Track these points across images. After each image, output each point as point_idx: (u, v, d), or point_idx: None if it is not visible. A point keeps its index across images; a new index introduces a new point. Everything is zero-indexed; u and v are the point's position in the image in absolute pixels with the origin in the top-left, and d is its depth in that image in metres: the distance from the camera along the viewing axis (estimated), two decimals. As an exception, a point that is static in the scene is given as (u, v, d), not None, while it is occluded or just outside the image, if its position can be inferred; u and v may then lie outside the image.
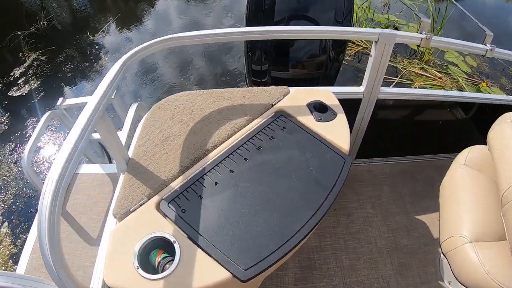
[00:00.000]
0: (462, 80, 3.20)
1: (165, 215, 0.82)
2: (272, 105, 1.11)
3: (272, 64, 1.79)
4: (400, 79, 3.20)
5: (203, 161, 0.96)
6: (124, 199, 0.85)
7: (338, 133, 1.02)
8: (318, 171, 0.92)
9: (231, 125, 1.05)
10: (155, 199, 0.85)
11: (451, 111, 1.59)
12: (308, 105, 1.11)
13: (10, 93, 3.18)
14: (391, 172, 1.69)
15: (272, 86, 1.19)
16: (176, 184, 0.89)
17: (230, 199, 0.86)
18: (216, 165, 0.94)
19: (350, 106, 1.42)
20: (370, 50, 1.31)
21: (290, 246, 0.78)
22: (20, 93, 3.20)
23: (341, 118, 1.07)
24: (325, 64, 1.76)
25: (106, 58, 3.58)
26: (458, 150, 1.31)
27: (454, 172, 1.19)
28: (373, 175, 1.67)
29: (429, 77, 3.23)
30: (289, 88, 1.19)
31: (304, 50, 1.79)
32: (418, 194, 1.60)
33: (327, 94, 1.15)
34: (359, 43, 3.52)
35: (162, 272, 0.71)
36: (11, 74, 3.37)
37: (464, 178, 1.14)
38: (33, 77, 3.34)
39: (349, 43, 3.49)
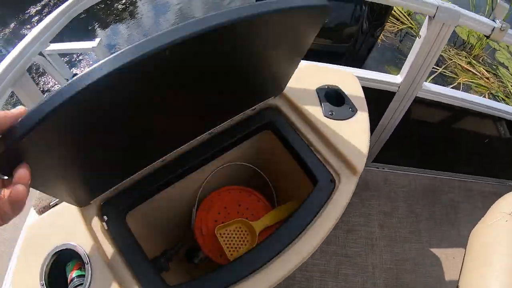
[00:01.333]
0: (512, 86, 2.73)
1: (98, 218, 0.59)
2: None
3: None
4: (443, 70, 2.76)
5: None
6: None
7: (352, 139, 0.70)
8: None
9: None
10: None
11: (505, 129, 1.23)
12: (319, 90, 0.79)
13: (22, 31, 3.07)
14: (411, 186, 1.38)
15: None
16: None
17: None
18: None
19: (379, 99, 1.09)
20: (419, 30, 0.96)
21: None
22: (32, 32, 3.04)
23: (362, 119, 0.74)
24: (356, 37, 1.32)
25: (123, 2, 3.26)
26: (501, 176, 0.96)
27: (494, 221, 0.84)
28: (389, 186, 1.36)
29: (476, 74, 2.78)
30: None
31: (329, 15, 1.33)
32: (437, 220, 1.30)
33: (350, 78, 0.81)
34: (404, 20, 3.01)
35: None
36: (27, 11, 3.23)
37: (506, 236, 0.79)
38: (46, 16, 3.13)
39: (392, 18, 3.00)
